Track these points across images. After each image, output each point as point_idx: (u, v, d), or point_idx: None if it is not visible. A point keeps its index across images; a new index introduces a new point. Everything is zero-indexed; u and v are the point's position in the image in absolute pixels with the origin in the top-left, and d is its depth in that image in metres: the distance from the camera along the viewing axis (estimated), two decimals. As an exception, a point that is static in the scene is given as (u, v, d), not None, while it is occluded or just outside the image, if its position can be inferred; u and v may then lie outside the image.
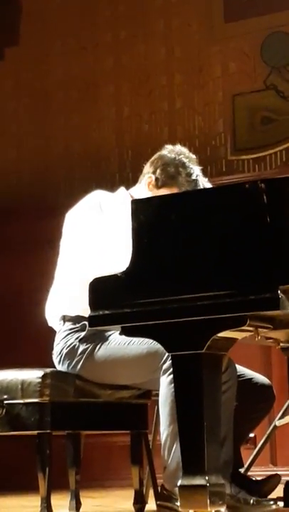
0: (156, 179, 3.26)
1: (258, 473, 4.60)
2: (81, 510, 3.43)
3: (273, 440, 4.78)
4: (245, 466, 4.29)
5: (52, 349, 3.24)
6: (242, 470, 3.45)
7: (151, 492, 3.66)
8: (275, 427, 4.37)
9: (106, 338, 3.09)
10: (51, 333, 3.30)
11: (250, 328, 2.52)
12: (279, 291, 2.39)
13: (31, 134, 6.39)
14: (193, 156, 3.32)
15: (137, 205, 2.60)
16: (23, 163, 6.37)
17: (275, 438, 4.73)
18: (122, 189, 3.40)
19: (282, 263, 2.41)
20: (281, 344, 2.84)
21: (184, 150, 3.32)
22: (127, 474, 3.65)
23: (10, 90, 6.49)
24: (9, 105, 6.48)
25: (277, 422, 4.30)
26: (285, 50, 5.69)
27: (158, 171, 3.27)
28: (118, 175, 6.03)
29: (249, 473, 4.23)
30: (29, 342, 5.44)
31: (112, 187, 5.85)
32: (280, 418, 4.33)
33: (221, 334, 2.50)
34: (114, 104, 6.20)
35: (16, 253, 5.99)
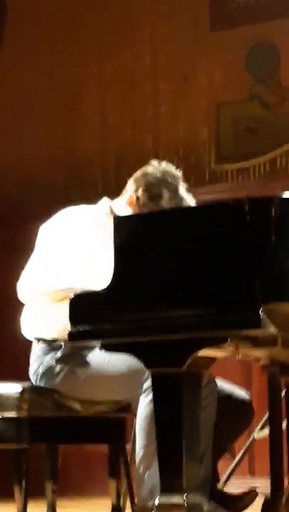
0: (138, 198, 3.20)
1: (236, 484, 4.62)
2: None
3: (251, 451, 4.77)
4: (224, 477, 4.30)
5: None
6: (221, 481, 3.44)
7: (128, 504, 3.64)
8: (254, 439, 4.38)
9: (84, 357, 3.06)
10: (30, 344, 3.28)
11: (231, 347, 2.51)
12: (260, 311, 2.39)
13: (14, 140, 6.36)
14: (179, 174, 3.23)
15: (120, 222, 2.60)
16: (6, 168, 6.34)
17: (253, 449, 4.73)
18: (104, 200, 3.36)
19: (264, 282, 2.41)
20: (262, 361, 2.83)
21: (170, 168, 3.22)
22: (104, 482, 3.63)
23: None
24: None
25: (256, 435, 4.32)
26: (270, 61, 5.69)
27: (140, 190, 3.18)
28: (101, 182, 6.01)
29: (227, 484, 4.24)
30: (7, 354, 5.40)
31: (94, 194, 5.82)
32: (259, 431, 4.34)
33: (202, 352, 2.50)
34: (98, 111, 6.18)
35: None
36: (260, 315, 2.38)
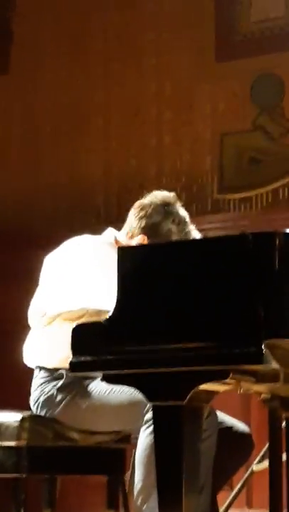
0: (142, 229, 3.17)
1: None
2: None
3: (249, 483, 4.75)
4: (222, 509, 4.28)
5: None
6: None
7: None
8: (253, 471, 4.36)
9: (85, 387, 3.06)
10: (31, 372, 3.27)
11: (233, 382, 2.51)
12: (263, 346, 2.39)
13: (19, 163, 6.38)
14: (184, 213, 3.16)
15: (124, 253, 2.60)
16: (8, 191, 6.36)
17: (251, 481, 4.70)
18: (109, 230, 3.36)
19: (268, 317, 2.41)
20: (263, 395, 2.83)
21: (172, 197, 3.20)
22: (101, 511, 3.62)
23: (-2, 119, 6.49)
24: (-3, 133, 6.48)
25: (255, 467, 4.30)
26: (274, 92, 5.72)
27: (143, 222, 3.17)
28: (103, 208, 6.02)
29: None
30: (8, 381, 5.38)
31: (97, 220, 5.88)
32: (257, 463, 4.33)
33: (203, 386, 2.50)
34: (103, 137, 6.20)
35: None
36: (262, 350, 2.38)
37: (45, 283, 3.22)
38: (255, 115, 5.77)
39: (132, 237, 3.20)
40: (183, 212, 3.20)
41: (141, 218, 3.17)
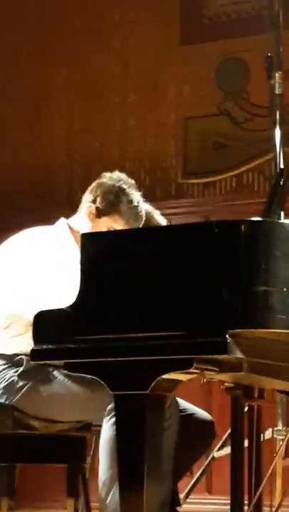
0: (97, 208, 3.20)
1: (194, 501, 4.59)
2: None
3: (210, 469, 4.75)
4: (183, 495, 4.27)
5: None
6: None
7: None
8: (213, 458, 4.36)
9: (47, 374, 3.01)
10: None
11: (197, 371, 2.48)
12: (227, 336, 2.36)
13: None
14: (133, 182, 3.26)
15: (87, 240, 2.56)
16: None
17: (211, 467, 4.70)
18: (61, 220, 3.34)
19: (232, 307, 2.38)
20: (225, 384, 2.80)
21: (123, 176, 3.26)
22: (61, 497, 3.58)
23: None
24: None
25: (216, 454, 4.29)
26: (240, 76, 5.69)
27: (98, 199, 3.20)
28: (66, 191, 5.96)
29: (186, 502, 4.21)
30: None
31: (60, 204, 5.80)
32: (218, 449, 4.32)
33: (166, 376, 2.46)
34: (65, 119, 6.12)
35: None
36: (226, 340, 2.35)
37: None
38: (220, 100, 5.74)
39: (89, 214, 3.19)
40: (136, 195, 3.21)
41: (96, 196, 3.18)
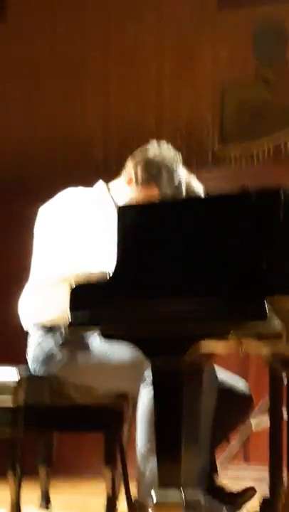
0: (137, 177, 3.16)
1: (230, 471, 4.58)
2: (51, 507, 3.38)
3: (247, 439, 4.74)
4: (219, 464, 4.27)
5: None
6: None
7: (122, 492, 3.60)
8: (251, 430, 4.34)
9: (86, 346, 3.00)
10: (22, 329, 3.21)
11: (234, 338, 2.45)
12: (265, 302, 2.33)
13: (16, 116, 6.27)
14: (178, 157, 3.18)
15: (124, 211, 2.54)
16: (6, 143, 6.25)
17: (248, 437, 4.70)
18: (99, 183, 3.30)
19: (271, 274, 2.35)
20: (263, 355, 2.78)
21: (168, 151, 3.17)
22: (99, 465, 3.60)
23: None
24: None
25: (254, 428, 4.27)
26: (277, 42, 5.60)
27: (139, 168, 3.15)
28: (102, 162, 5.93)
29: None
30: (2, 339, 5.32)
31: (95, 175, 5.77)
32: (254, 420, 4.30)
33: (204, 344, 2.44)
34: (101, 91, 6.08)
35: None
36: (265, 307, 2.32)
37: (43, 241, 3.15)
38: (256, 66, 5.66)
39: (130, 182, 3.16)
40: (179, 162, 3.16)
41: (138, 165, 3.13)
